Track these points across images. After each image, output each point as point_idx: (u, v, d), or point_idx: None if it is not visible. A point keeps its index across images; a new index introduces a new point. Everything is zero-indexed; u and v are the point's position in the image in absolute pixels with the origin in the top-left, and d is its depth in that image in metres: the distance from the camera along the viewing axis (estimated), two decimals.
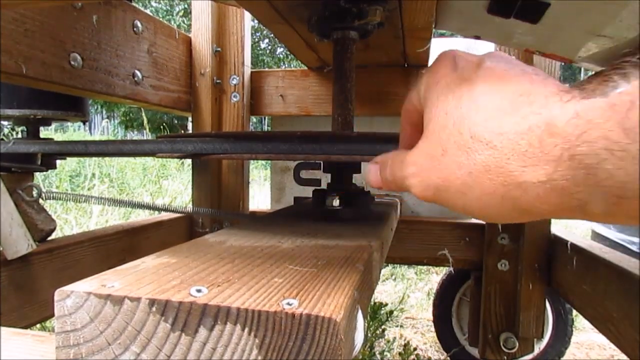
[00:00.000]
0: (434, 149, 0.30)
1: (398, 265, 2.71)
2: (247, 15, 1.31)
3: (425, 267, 2.78)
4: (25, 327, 0.79)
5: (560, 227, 1.21)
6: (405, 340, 1.71)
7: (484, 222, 1.24)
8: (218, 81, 1.30)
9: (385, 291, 2.45)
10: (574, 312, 1.37)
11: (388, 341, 1.65)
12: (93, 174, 3.52)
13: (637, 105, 0.22)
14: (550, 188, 0.25)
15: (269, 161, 2.02)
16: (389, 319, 1.81)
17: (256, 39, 15.74)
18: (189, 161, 3.33)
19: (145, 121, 4.08)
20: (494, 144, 0.27)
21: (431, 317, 1.52)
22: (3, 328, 0.38)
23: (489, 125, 0.27)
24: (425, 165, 0.31)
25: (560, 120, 0.24)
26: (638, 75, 0.22)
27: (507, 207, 0.27)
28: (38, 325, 1.31)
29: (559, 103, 0.25)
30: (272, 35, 1.31)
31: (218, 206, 1.31)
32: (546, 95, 0.26)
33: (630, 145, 0.22)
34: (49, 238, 0.88)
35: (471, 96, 0.29)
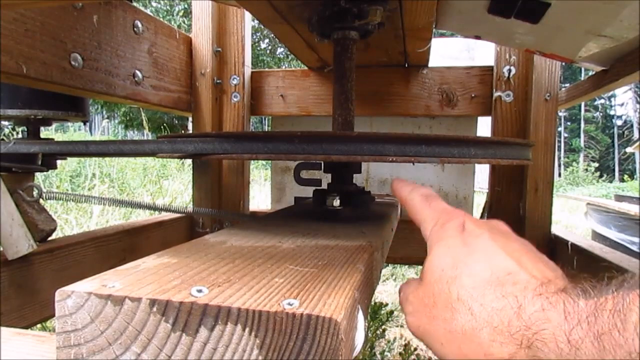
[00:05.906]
0: (427, 298, 0.35)
1: (398, 265, 2.71)
2: (247, 15, 1.31)
3: None
4: (26, 327, 0.79)
5: (561, 227, 1.21)
6: (405, 340, 1.71)
7: None
8: (218, 81, 1.30)
9: (385, 291, 2.45)
10: None
11: (388, 341, 1.65)
12: (93, 174, 3.52)
13: (584, 324, 0.25)
14: None
15: (270, 161, 2.02)
16: (390, 319, 1.81)
17: (256, 39, 15.73)
18: (189, 161, 3.33)
19: (145, 121, 4.08)
20: (474, 310, 0.30)
21: None
22: (3, 328, 0.38)
23: (473, 293, 0.31)
24: (419, 309, 0.36)
25: (529, 309, 0.28)
26: (594, 296, 0.26)
27: None
28: (39, 326, 1.31)
29: (532, 293, 0.29)
30: (272, 35, 1.31)
31: (218, 206, 1.31)
32: (528, 279, 0.30)
33: (571, 355, 0.25)
34: (50, 238, 0.88)
35: (467, 262, 0.33)
